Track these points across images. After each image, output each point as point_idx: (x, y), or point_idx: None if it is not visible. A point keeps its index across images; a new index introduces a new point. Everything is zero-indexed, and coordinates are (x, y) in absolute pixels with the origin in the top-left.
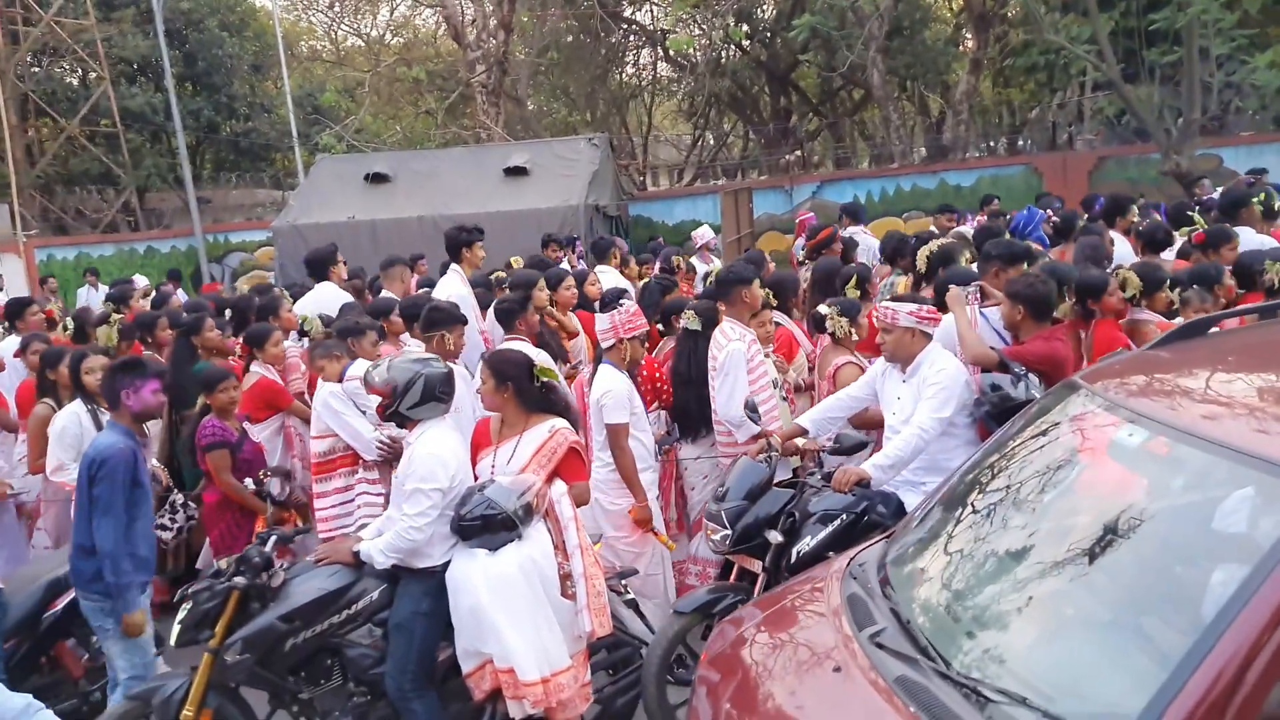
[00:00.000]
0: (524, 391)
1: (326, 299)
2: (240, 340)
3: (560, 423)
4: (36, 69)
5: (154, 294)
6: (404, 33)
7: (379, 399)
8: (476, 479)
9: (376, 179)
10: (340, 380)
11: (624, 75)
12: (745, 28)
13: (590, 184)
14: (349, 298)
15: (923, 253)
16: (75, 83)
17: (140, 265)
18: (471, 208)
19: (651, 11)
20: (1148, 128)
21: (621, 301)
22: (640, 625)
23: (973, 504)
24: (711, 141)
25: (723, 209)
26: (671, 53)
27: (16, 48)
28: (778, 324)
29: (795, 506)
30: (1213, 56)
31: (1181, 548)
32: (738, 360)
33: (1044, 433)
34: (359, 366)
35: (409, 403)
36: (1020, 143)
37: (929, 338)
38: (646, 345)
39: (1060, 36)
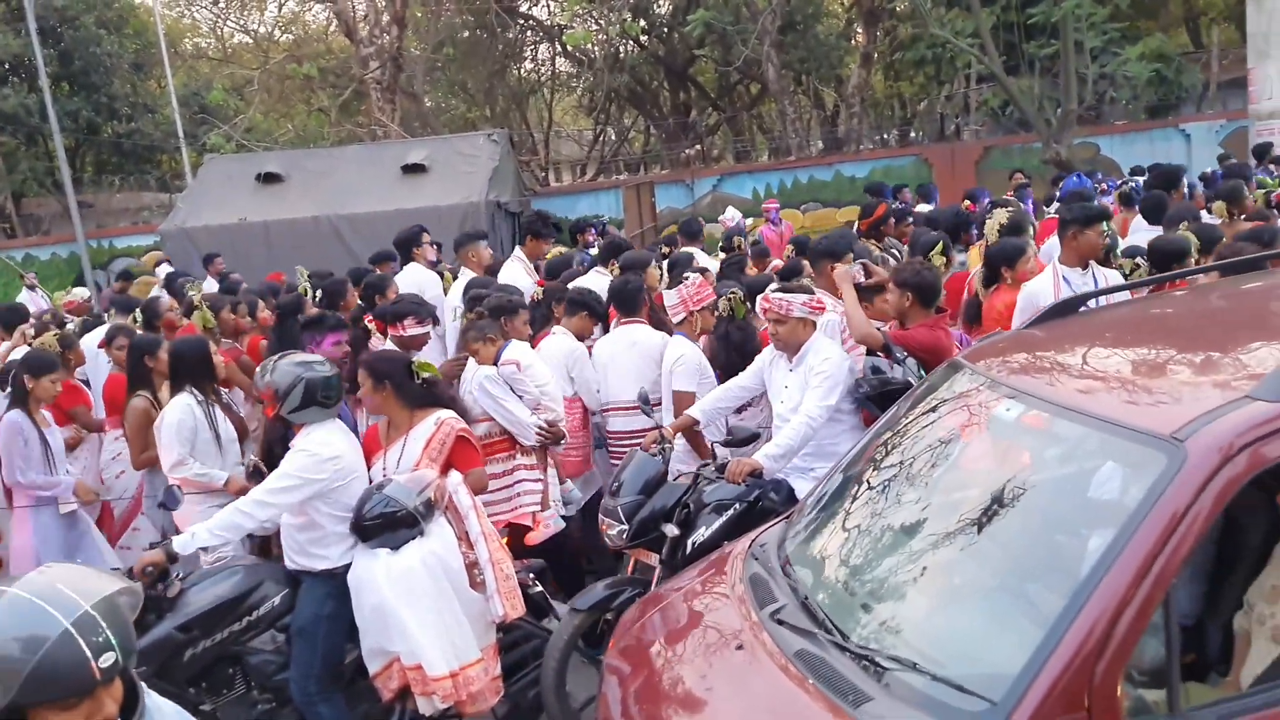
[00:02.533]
0: (403, 388)
1: (413, 281)
2: (372, 318)
3: (445, 413)
4: None
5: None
6: (293, 29)
7: (533, 381)
8: (370, 483)
9: (269, 179)
10: (495, 363)
11: (523, 70)
12: (642, 23)
13: (491, 180)
14: (435, 278)
15: (991, 225)
16: None
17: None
18: (369, 206)
19: (548, 6)
20: (1029, 118)
21: (687, 275)
22: (550, 617)
23: (865, 483)
24: (613, 136)
25: (625, 203)
26: (570, 48)
27: None
28: None
29: (690, 498)
30: (1087, 49)
31: (1057, 515)
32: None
33: (930, 411)
34: (515, 348)
35: (289, 407)
36: (912, 134)
37: (815, 326)
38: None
39: (946, 31)
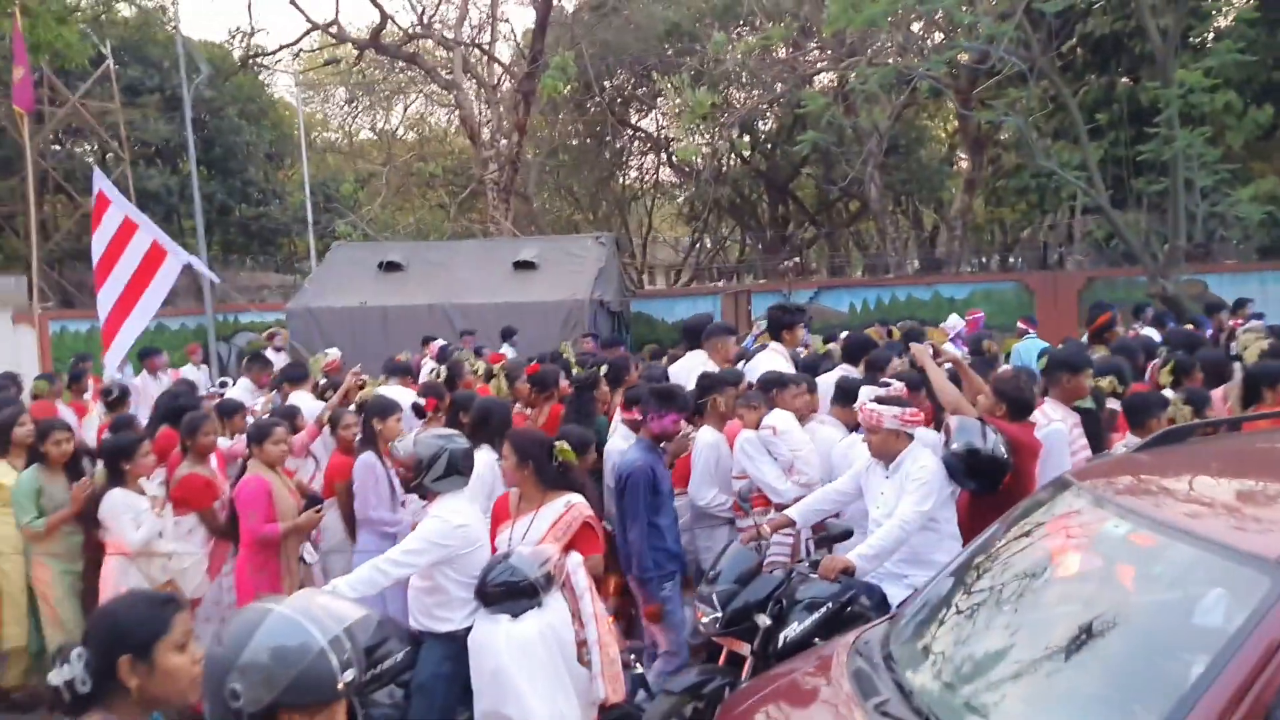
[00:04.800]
0: (543, 469)
1: (695, 368)
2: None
3: (576, 498)
4: (57, 147)
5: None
6: (418, 129)
7: (788, 446)
8: (495, 551)
9: (390, 267)
10: (756, 428)
11: (627, 178)
12: (747, 138)
13: (596, 280)
14: (715, 368)
15: (1252, 346)
16: (93, 162)
17: (150, 340)
18: (481, 298)
19: (656, 119)
20: (1135, 252)
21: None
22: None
23: (971, 588)
24: (709, 244)
25: (722, 309)
26: (675, 160)
27: (41, 127)
28: None
29: (783, 592)
30: (1197, 187)
31: (1159, 632)
32: (1060, 439)
33: (1037, 525)
34: (774, 416)
35: (433, 476)
36: (1012, 260)
37: (911, 438)
38: None
39: (1052, 163)
